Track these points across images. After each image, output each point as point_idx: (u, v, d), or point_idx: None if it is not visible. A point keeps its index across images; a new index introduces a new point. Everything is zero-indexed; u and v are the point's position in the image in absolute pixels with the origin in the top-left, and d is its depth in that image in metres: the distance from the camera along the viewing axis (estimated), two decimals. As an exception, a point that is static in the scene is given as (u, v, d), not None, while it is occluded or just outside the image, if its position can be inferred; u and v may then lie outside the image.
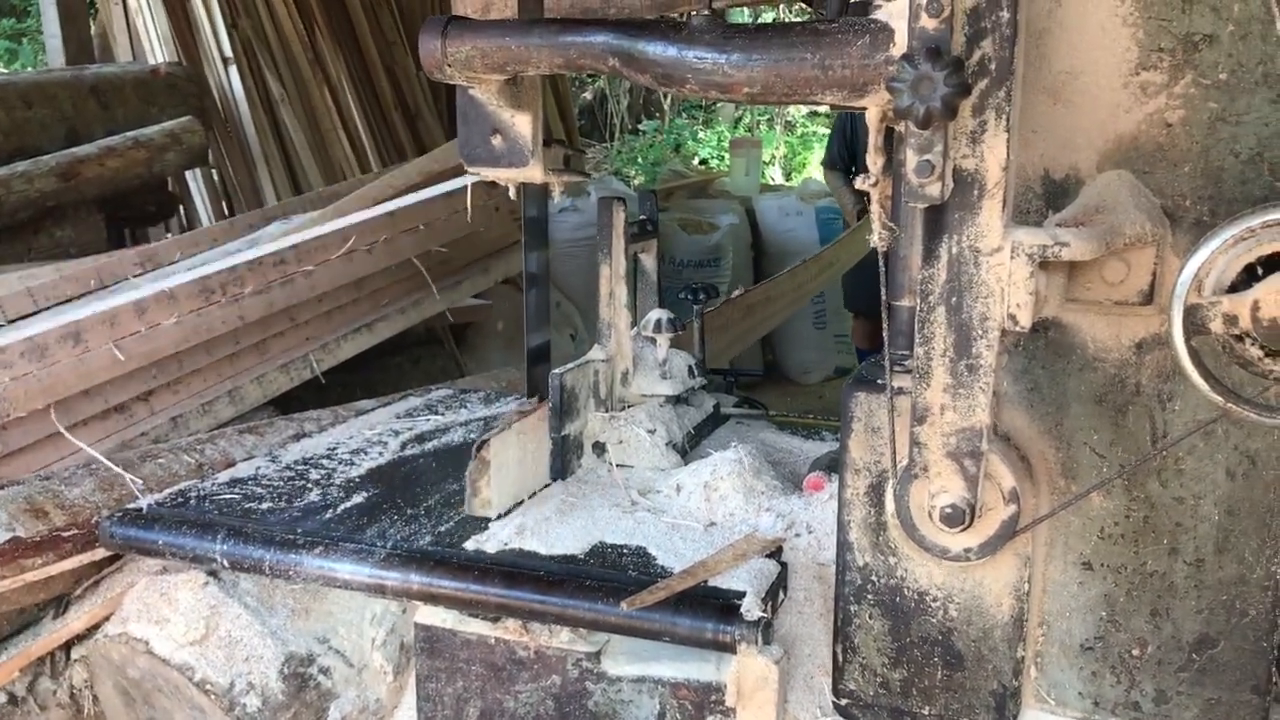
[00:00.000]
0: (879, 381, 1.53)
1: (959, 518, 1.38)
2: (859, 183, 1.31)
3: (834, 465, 2.06)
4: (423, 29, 1.59)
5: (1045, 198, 1.43)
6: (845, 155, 5.53)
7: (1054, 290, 1.35)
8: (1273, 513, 1.41)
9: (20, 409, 2.55)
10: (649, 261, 2.56)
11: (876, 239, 1.33)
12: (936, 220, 1.29)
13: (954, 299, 1.30)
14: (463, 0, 2.03)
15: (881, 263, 1.36)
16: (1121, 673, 1.53)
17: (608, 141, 13.22)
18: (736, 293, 3.81)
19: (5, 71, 9.19)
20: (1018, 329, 1.29)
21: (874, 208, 1.32)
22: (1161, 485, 1.46)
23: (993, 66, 1.23)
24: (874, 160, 1.30)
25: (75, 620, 2.09)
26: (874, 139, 1.30)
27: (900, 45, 1.24)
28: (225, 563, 1.91)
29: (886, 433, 1.48)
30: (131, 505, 2.06)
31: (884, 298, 1.40)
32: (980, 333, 1.30)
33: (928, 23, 1.20)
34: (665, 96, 13.32)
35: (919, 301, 1.32)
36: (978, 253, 1.28)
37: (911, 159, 1.24)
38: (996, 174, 1.26)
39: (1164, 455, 1.43)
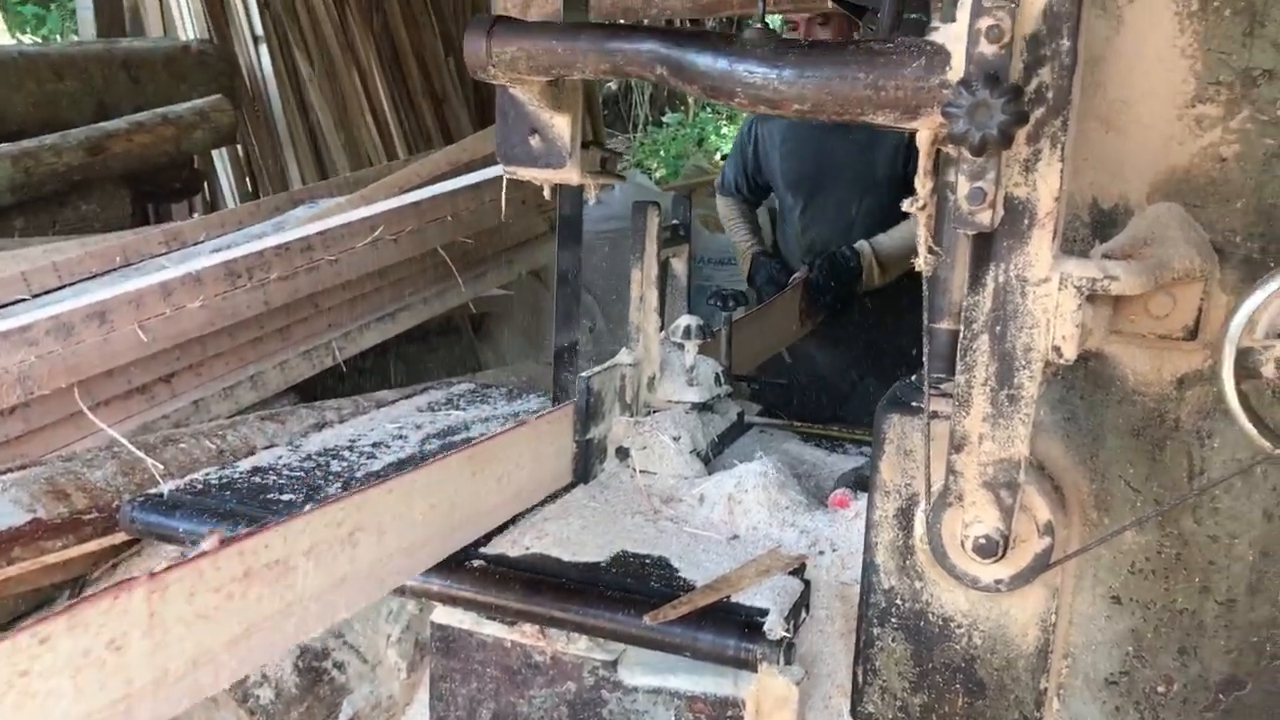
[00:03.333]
0: (913, 404, 1.52)
1: (992, 549, 1.36)
2: (906, 205, 1.29)
3: (860, 482, 2.05)
4: (468, 28, 1.57)
5: (1092, 226, 1.41)
6: (745, 184, 4.56)
7: (1099, 323, 1.33)
8: (1310, 557, 1.39)
9: (44, 387, 2.54)
10: (680, 266, 2.54)
11: (921, 263, 1.31)
12: (984, 248, 1.27)
13: (998, 328, 1.28)
14: (502, -4, 2.02)
15: (925, 287, 1.34)
16: (1145, 709, 1.51)
17: (630, 133, 13.18)
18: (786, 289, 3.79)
19: (38, 41, 9.21)
20: (1062, 361, 1.27)
21: (920, 230, 1.30)
22: (1196, 523, 1.44)
23: (1050, 95, 1.21)
24: (923, 183, 1.28)
25: (91, 602, 2.09)
26: (924, 162, 1.28)
27: (957, 69, 1.21)
28: (245, 553, 1.90)
29: (919, 456, 1.46)
30: (153, 490, 2.06)
31: (925, 321, 1.39)
32: (1023, 363, 1.28)
33: (986, 48, 1.18)
34: (691, 91, 13.25)
35: (963, 329, 1.30)
36: (1025, 282, 1.26)
37: (963, 185, 1.21)
38: (1048, 204, 1.23)
39: (1200, 493, 1.41)
